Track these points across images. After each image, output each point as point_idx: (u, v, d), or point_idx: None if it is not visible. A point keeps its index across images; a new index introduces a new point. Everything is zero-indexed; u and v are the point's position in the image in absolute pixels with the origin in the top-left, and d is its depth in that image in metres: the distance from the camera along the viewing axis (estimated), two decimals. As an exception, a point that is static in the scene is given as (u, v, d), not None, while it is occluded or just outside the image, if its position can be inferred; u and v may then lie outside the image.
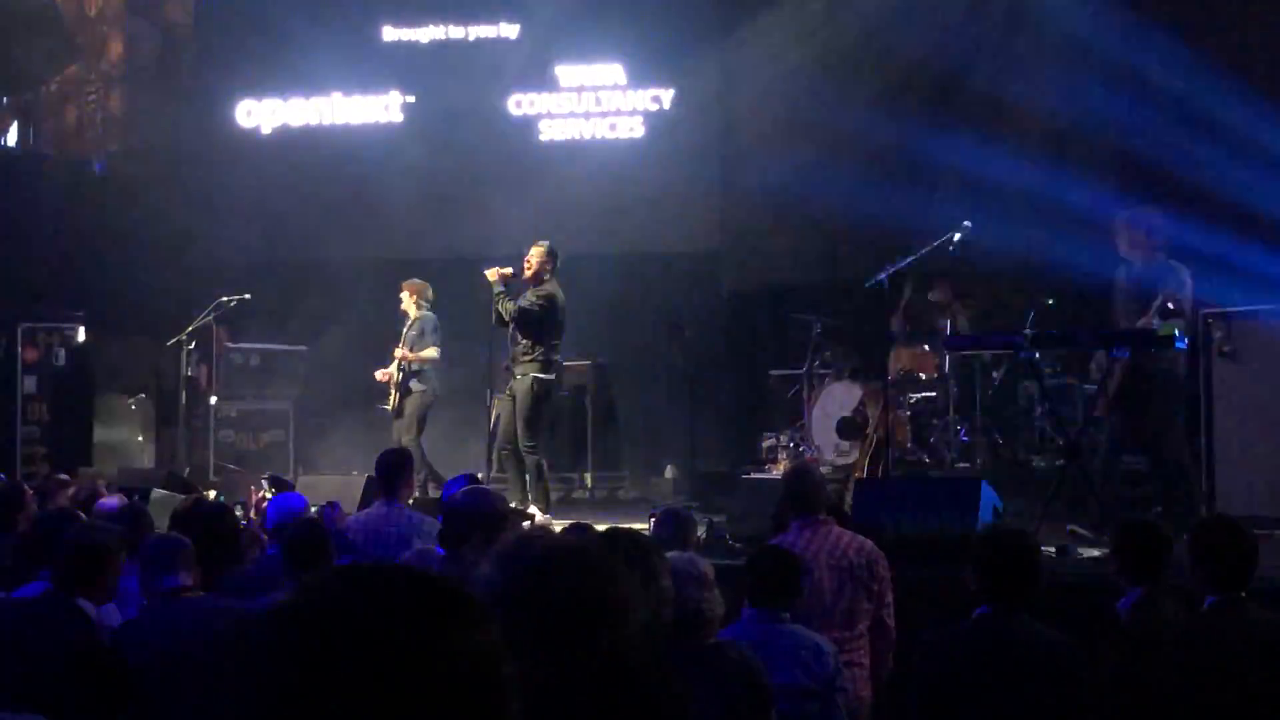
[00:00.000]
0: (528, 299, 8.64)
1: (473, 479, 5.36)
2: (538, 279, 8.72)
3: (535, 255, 8.74)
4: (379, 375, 10.25)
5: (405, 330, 10.19)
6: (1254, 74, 9.56)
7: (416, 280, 10.35)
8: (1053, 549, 6.57)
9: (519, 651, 1.20)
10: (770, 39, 12.01)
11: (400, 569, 1.19)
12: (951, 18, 11.35)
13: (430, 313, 10.21)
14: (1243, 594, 3.94)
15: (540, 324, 8.63)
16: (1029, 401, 9.59)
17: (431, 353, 10.07)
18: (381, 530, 5.75)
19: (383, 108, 13.23)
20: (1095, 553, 6.59)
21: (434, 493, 9.02)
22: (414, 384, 10.07)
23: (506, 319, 8.68)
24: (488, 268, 8.81)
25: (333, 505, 7.01)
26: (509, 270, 8.75)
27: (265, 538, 5.81)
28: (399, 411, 10.09)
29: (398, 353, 10.09)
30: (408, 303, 10.28)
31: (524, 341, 8.67)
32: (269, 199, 12.78)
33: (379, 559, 5.41)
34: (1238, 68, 9.52)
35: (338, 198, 12.68)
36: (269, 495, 8.57)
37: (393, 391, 10.11)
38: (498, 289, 8.68)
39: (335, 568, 1.21)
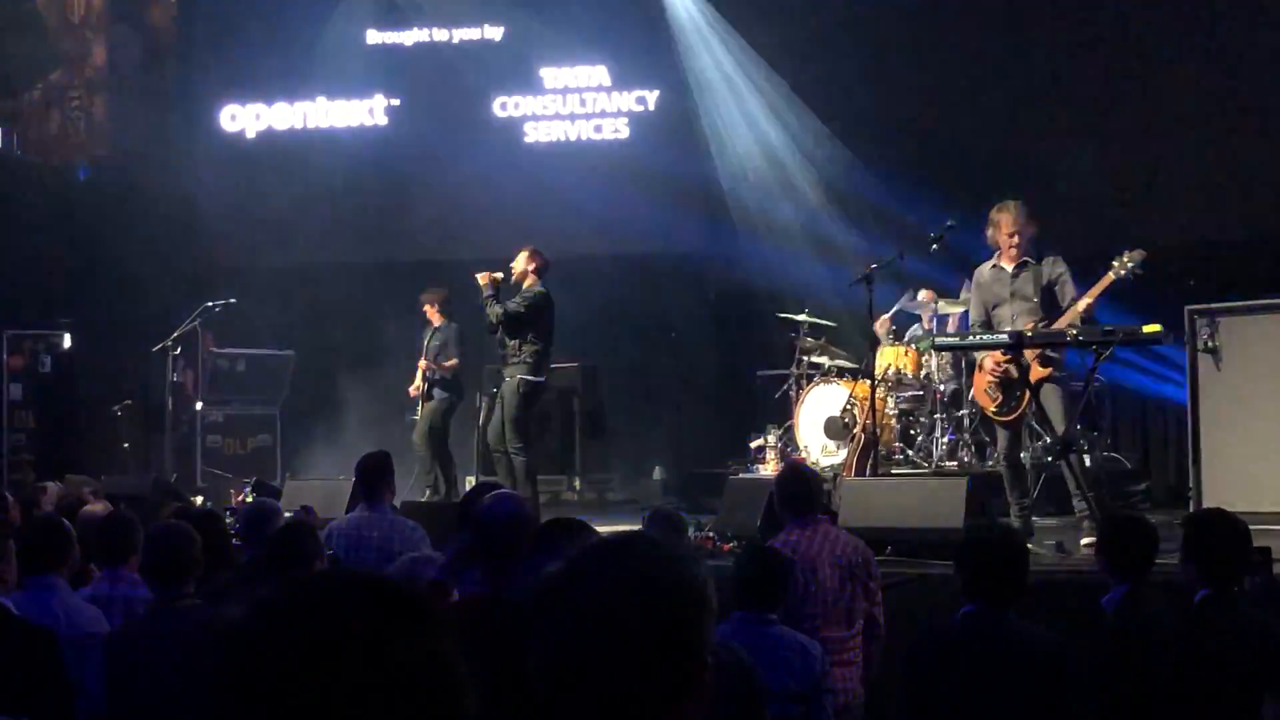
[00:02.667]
0: (515, 301, 8.66)
1: (495, 487, 5.18)
2: (525, 282, 8.73)
3: (521, 259, 8.78)
4: (411, 391, 10.19)
5: (426, 340, 10.13)
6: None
7: (435, 289, 10.29)
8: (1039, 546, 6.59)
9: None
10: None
11: (351, 575, 1.19)
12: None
13: (452, 321, 10.17)
14: (1235, 588, 3.94)
15: (528, 326, 8.63)
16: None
17: (453, 363, 10.05)
18: (363, 535, 5.70)
19: (367, 111, 13.21)
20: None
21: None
22: (437, 392, 10.04)
23: (495, 323, 8.69)
24: (477, 271, 8.81)
25: (307, 510, 6.96)
26: (499, 275, 8.75)
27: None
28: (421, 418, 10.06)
29: (421, 364, 10.06)
30: (430, 312, 10.23)
31: (512, 343, 8.68)
32: (254, 203, 12.75)
33: (360, 564, 5.39)
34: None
35: (323, 201, 12.64)
36: (251, 499, 8.55)
37: (421, 403, 10.07)
38: (487, 293, 8.68)
39: (286, 577, 1.21)
